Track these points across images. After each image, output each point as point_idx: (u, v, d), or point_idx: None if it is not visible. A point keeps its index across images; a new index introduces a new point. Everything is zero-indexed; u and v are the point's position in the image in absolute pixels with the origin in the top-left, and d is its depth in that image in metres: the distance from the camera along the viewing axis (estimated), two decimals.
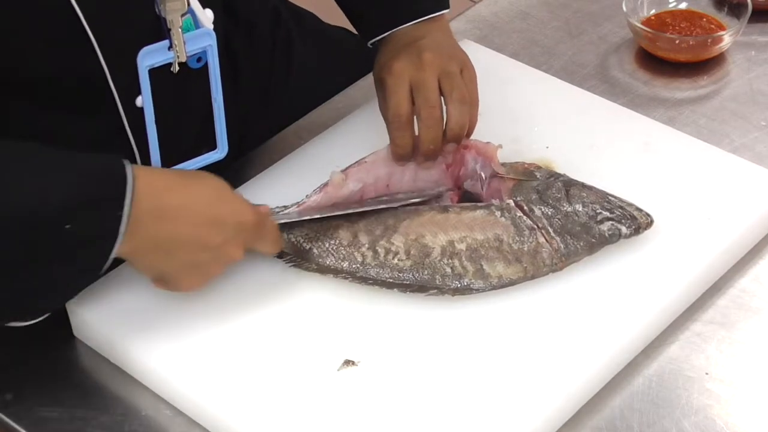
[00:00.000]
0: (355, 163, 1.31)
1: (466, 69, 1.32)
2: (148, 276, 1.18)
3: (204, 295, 1.23)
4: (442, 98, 1.29)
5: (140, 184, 1.10)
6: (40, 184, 1.06)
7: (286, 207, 1.28)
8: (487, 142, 1.31)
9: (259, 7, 1.54)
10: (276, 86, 1.54)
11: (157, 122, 1.26)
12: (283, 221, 1.26)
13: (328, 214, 1.27)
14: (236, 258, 1.18)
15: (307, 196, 1.29)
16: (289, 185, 1.32)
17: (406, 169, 1.32)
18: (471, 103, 1.30)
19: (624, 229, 1.26)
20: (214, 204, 1.15)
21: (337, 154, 1.33)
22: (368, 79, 1.51)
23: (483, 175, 1.31)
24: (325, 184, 1.29)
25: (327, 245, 1.26)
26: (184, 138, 1.33)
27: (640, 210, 1.27)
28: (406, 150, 1.29)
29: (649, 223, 1.27)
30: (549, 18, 1.67)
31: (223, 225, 1.15)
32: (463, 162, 1.32)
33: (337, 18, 1.60)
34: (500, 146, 1.31)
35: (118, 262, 1.16)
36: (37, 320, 1.18)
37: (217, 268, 1.18)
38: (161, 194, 1.12)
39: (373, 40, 1.39)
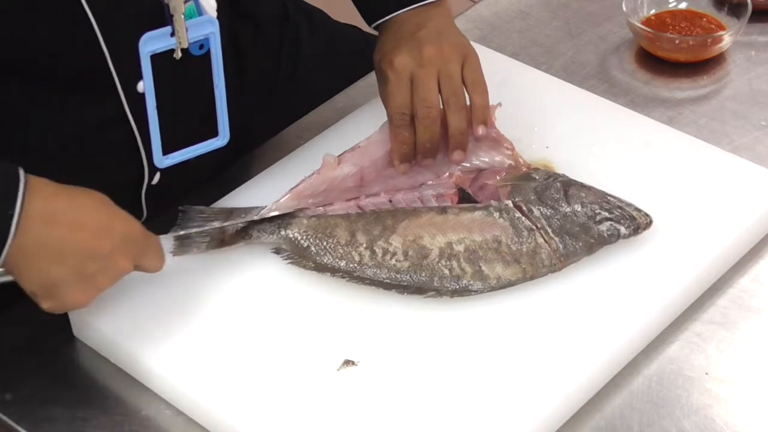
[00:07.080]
0: (348, 149, 1.32)
1: (468, 58, 1.32)
2: (34, 287, 1.13)
3: (203, 294, 1.23)
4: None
5: (31, 187, 1.09)
6: None
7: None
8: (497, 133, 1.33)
9: (267, 4, 1.54)
10: (283, 82, 1.54)
11: (158, 108, 1.26)
12: (278, 212, 1.27)
13: (327, 212, 1.28)
14: (125, 270, 1.15)
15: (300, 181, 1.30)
16: (289, 185, 1.32)
17: None
18: (480, 90, 1.31)
19: (623, 230, 1.26)
20: (101, 213, 1.14)
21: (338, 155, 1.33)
22: (368, 79, 1.51)
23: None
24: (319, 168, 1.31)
25: (325, 243, 1.26)
26: (185, 125, 1.33)
27: (639, 210, 1.27)
28: (408, 147, 1.30)
29: (648, 224, 1.27)
30: (549, 18, 1.67)
31: (112, 233, 1.13)
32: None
33: (346, 16, 1.60)
34: (499, 104, 1.32)
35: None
36: None
37: (106, 281, 1.14)
38: (51, 199, 1.11)
39: (376, 23, 1.40)
